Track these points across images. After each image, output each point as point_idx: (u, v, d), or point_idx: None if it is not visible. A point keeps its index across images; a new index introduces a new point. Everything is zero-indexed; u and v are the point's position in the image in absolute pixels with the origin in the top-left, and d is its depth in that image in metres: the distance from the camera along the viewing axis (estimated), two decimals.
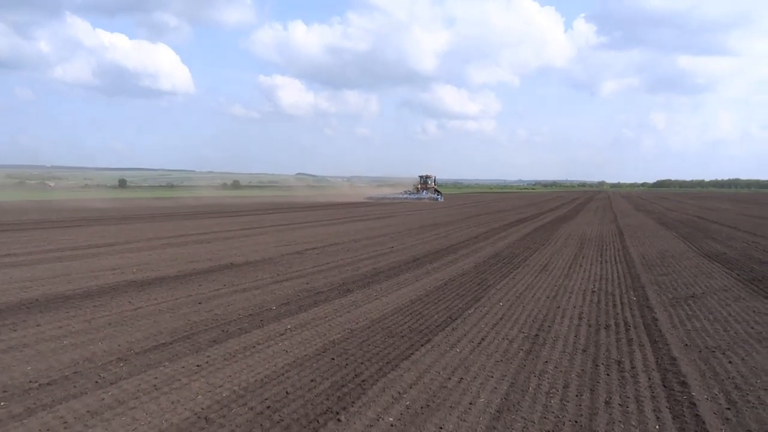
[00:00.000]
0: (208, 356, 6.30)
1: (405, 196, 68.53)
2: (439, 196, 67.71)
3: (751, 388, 5.41)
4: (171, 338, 7.01)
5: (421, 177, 74.62)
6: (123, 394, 5.17)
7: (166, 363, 6.06)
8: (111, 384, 5.43)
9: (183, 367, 5.92)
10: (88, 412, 4.77)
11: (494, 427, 4.53)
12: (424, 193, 69.62)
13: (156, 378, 5.59)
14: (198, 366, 5.96)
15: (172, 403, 4.97)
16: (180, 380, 5.53)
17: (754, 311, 8.64)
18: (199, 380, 5.53)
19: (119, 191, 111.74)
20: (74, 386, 5.36)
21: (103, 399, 5.04)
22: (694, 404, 5.01)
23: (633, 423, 4.63)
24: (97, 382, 5.49)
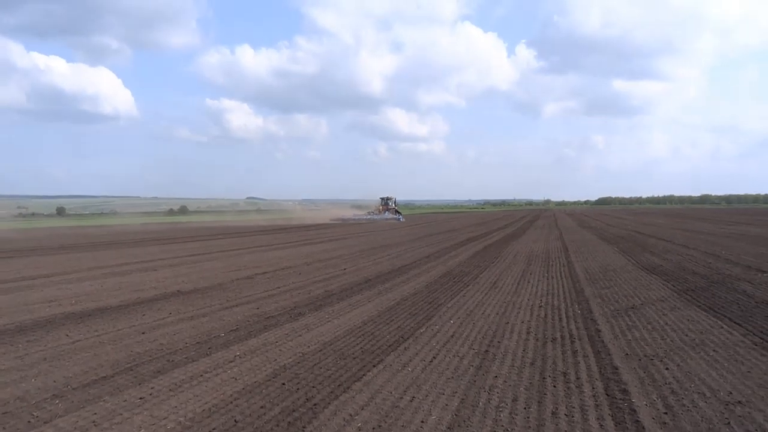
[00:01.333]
0: (152, 388, 6.06)
1: (368, 217, 72.22)
2: (400, 217, 71.79)
3: (686, 393, 5.69)
4: (112, 371, 6.70)
5: (382, 199, 79.46)
6: None
7: (107, 397, 5.78)
8: (45, 423, 5.12)
9: (125, 401, 5.66)
10: None
11: None
12: (386, 214, 73.85)
13: (95, 414, 5.32)
14: (141, 398, 5.72)
15: None
16: (121, 414, 5.29)
17: (689, 320, 9.11)
18: (142, 413, 5.31)
19: (57, 219, 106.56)
20: (3, 428, 5.03)
21: None
22: (635, 410, 5.22)
23: None
24: (29, 421, 5.17)
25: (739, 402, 5.39)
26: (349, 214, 78.06)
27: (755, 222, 47.36)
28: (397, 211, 75.79)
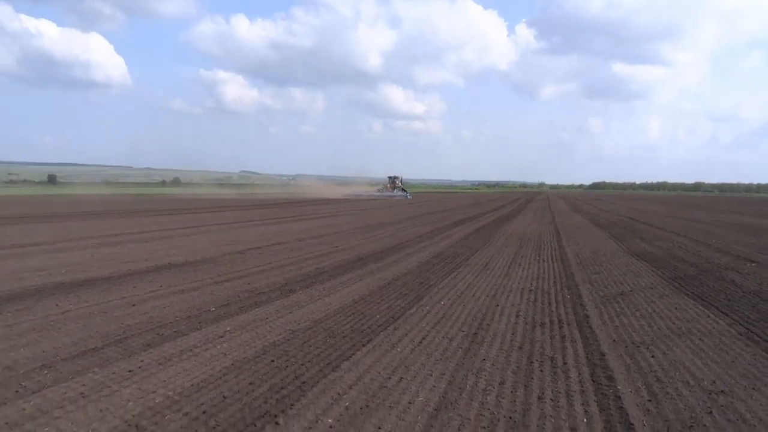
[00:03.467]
0: (142, 361, 6.06)
1: (378, 194, 78.25)
2: (407, 194, 77.16)
3: (671, 381, 5.77)
4: (101, 343, 6.70)
5: (390, 177, 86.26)
6: (46, 403, 4.89)
7: (96, 369, 5.78)
8: (33, 393, 5.12)
9: (114, 373, 5.67)
10: (6, 423, 4.48)
11: (432, 426, 4.61)
12: (395, 191, 79.87)
13: (84, 385, 5.32)
14: (130, 371, 5.73)
15: (101, 411, 4.75)
16: (110, 387, 5.30)
17: (676, 308, 9.21)
18: (130, 386, 5.32)
19: (48, 187, 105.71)
20: None
21: (24, 409, 4.75)
22: (620, 397, 5.29)
23: (563, 417, 4.84)
24: (17, 391, 5.17)
25: (722, 392, 5.47)
26: (360, 190, 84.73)
27: (747, 211, 47.71)
28: (403, 189, 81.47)
